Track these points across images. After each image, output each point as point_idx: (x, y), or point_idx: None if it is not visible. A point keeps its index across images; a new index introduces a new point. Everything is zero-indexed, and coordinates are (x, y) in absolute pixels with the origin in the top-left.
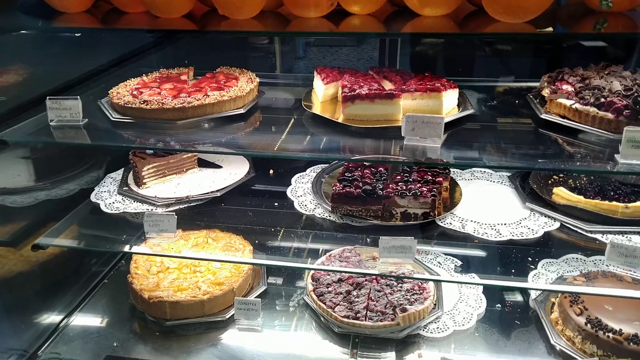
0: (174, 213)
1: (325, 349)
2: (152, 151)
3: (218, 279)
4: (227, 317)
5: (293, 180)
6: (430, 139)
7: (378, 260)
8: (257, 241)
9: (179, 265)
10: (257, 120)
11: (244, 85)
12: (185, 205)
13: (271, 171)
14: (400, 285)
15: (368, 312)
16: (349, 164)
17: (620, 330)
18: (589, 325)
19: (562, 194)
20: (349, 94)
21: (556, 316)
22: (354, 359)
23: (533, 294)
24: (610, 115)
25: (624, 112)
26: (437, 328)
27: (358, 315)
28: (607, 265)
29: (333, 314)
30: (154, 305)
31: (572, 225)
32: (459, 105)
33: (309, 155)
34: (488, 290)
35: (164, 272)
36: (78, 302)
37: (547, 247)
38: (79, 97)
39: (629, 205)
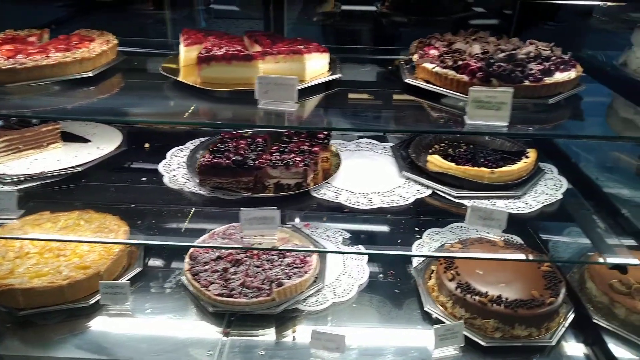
0: (16, 190)
1: (199, 329)
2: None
3: (84, 262)
4: (92, 302)
5: (169, 154)
6: (285, 102)
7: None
8: (125, 220)
9: (40, 250)
10: (108, 85)
11: (96, 47)
12: (39, 183)
13: (146, 145)
14: (281, 259)
15: (244, 288)
16: (225, 134)
17: (487, 292)
18: (458, 289)
19: (435, 162)
20: (204, 54)
21: (433, 283)
22: (227, 337)
23: (414, 263)
24: (465, 78)
25: (477, 74)
26: (317, 301)
27: (233, 292)
28: (467, 228)
29: (207, 292)
30: (3, 294)
31: (442, 191)
32: (330, 72)
33: (154, 119)
34: (375, 261)
35: (22, 258)
36: None
37: (432, 215)
38: None
39: (495, 170)
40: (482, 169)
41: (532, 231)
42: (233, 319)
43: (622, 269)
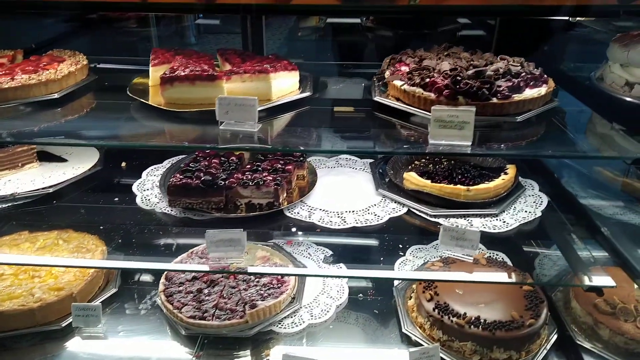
0: None
1: (171, 351)
2: None
3: (59, 284)
4: (64, 325)
5: (145, 173)
6: (246, 122)
7: (247, 254)
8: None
9: (15, 271)
10: (72, 107)
11: (64, 69)
12: (10, 205)
13: (123, 164)
14: (257, 280)
15: (217, 310)
16: (199, 153)
17: (465, 314)
18: (436, 310)
19: (411, 179)
20: (167, 75)
21: (412, 303)
22: None
23: (396, 282)
24: (432, 96)
25: (444, 92)
26: (293, 323)
27: (205, 315)
28: (440, 249)
29: (179, 315)
30: None
31: (417, 210)
32: (300, 90)
33: (110, 142)
34: (356, 279)
35: None
36: None
37: (412, 234)
38: None
39: (471, 188)
40: (458, 186)
41: (518, 248)
42: (206, 341)
43: (598, 291)
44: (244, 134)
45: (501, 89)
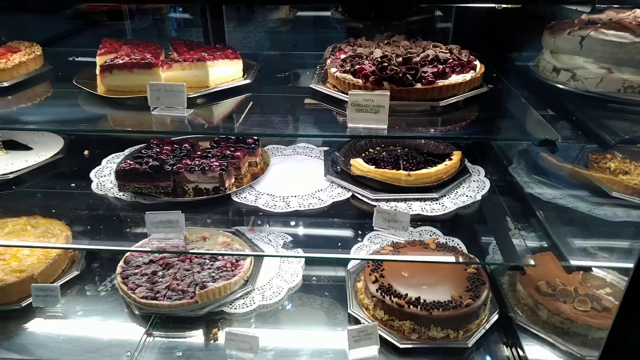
0: None
1: (124, 331)
2: None
3: (22, 266)
4: (24, 305)
5: (105, 160)
6: (176, 108)
7: (208, 240)
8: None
9: None
10: (20, 95)
11: (16, 59)
12: None
13: (86, 152)
14: (212, 263)
15: (169, 291)
16: (153, 140)
17: (406, 294)
18: (379, 291)
19: (357, 165)
20: (105, 64)
21: (361, 286)
22: (150, 338)
23: (349, 266)
24: (360, 82)
25: (370, 78)
26: (244, 304)
27: (157, 295)
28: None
29: (132, 295)
30: None
31: (360, 194)
32: (244, 77)
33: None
34: (312, 264)
35: None
36: None
37: (363, 217)
38: None
39: (412, 173)
40: (400, 171)
41: (472, 233)
42: (158, 321)
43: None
44: (174, 119)
45: (426, 74)
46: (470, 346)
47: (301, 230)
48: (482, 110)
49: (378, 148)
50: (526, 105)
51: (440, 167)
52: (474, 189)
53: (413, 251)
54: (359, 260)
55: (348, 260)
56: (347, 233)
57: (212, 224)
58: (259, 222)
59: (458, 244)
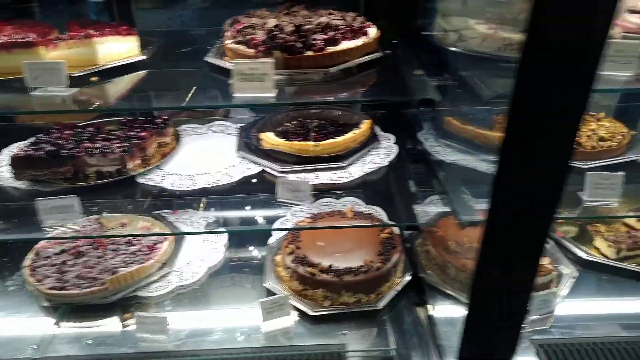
0: None
1: (32, 323)
2: None
3: None
4: None
5: (7, 150)
6: (56, 87)
7: (128, 225)
8: None
9: None
10: None
11: None
12: None
13: None
14: (127, 248)
15: (78, 280)
16: (55, 125)
17: (319, 263)
18: (293, 262)
19: (266, 139)
20: None
21: (279, 259)
22: (59, 329)
23: (270, 240)
24: (251, 52)
25: (260, 47)
26: (159, 286)
27: (66, 285)
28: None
29: (39, 287)
30: None
31: (269, 167)
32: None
33: None
34: (234, 243)
35: None
36: None
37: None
38: None
39: (319, 143)
40: (307, 142)
41: (389, 200)
42: (69, 311)
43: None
44: (55, 98)
45: (317, 42)
46: (381, 308)
47: (222, 209)
48: (373, 75)
49: (295, 122)
50: (416, 68)
51: (347, 135)
52: (382, 155)
53: (329, 221)
54: (282, 236)
55: (269, 236)
56: (268, 208)
57: (121, 208)
58: (174, 203)
59: (378, 212)
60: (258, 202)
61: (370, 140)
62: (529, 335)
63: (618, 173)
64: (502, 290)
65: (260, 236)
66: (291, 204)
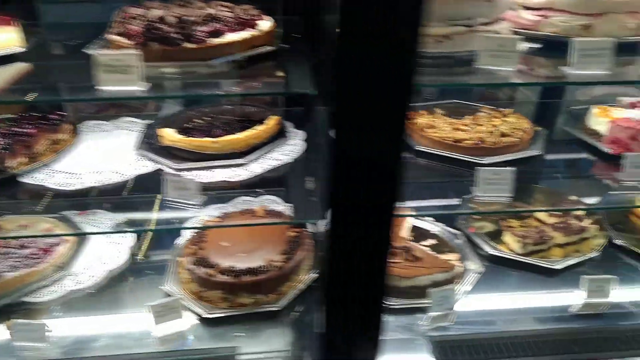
0: None
1: None
2: None
3: None
4: None
5: None
6: None
7: (29, 228)
8: None
9: None
10: None
11: None
12: None
13: None
14: (19, 252)
15: None
16: None
17: (218, 264)
18: (192, 264)
19: (165, 135)
20: None
21: (183, 260)
22: None
23: (177, 241)
24: (130, 42)
25: (137, 39)
26: (52, 291)
27: None
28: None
29: None
30: None
31: (164, 165)
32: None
33: None
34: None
35: None
36: None
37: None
38: None
39: (218, 140)
40: (206, 139)
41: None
42: None
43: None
44: None
45: (198, 33)
46: (281, 309)
47: (117, 210)
48: (261, 69)
49: (207, 119)
50: (306, 63)
51: (249, 132)
52: (287, 152)
53: (237, 219)
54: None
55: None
56: (162, 208)
57: (9, 209)
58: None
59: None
60: (150, 202)
61: (276, 137)
62: (425, 332)
63: (508, 168)
64: (355, 291)
65: (170, 237)
66: (179, 203)
